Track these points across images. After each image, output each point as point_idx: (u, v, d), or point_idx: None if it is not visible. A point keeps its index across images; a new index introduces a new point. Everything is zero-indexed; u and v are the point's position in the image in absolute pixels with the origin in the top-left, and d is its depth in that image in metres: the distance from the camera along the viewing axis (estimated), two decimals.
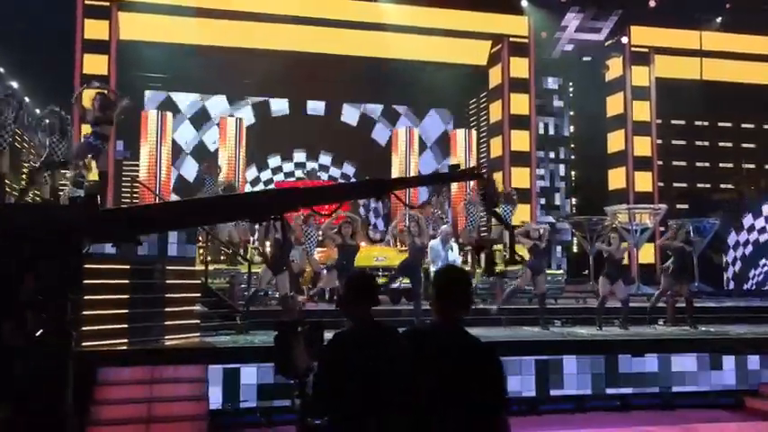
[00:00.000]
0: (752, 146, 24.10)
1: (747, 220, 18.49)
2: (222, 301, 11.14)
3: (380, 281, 13.21)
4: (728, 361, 9.80)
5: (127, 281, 8.79)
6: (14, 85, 16.52)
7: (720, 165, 23.95)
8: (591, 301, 13.28)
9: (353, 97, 22.22)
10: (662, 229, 16.28)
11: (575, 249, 21.74)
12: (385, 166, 20.29)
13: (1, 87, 10.81)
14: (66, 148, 10.36)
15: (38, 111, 16.79)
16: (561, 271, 17.48)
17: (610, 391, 9.53)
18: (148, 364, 8.12)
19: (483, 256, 5.19)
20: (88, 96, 10.17)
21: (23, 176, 12.12)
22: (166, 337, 9.09)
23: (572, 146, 23.51)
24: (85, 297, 8.03)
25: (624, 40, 21.58)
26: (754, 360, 9.87)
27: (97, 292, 8.28)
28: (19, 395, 4.53)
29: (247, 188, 20.49)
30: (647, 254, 19.30)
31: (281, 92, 21.63)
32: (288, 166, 22.38)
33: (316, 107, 22.43)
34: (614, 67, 22.15)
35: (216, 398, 8.32)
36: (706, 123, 24.01)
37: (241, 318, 10.22)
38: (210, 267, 12.18)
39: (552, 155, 23.22)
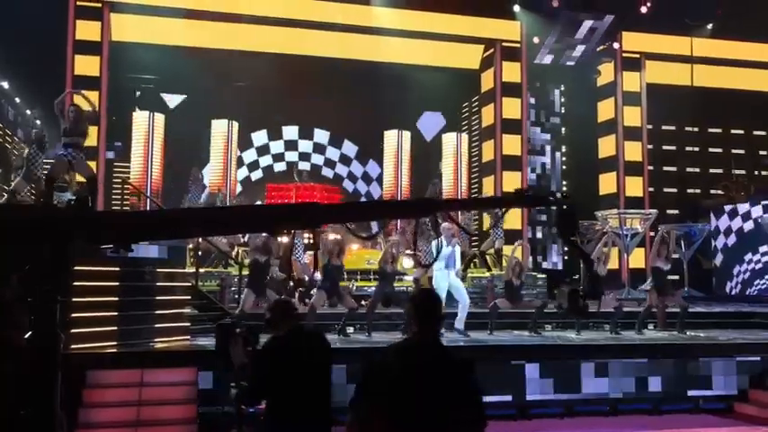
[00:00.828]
0: (741, 152, 24.24)
1: (723, 221, 18.61)
2: (212, 303, 11.10)
3: (372, 284, 13.25)
4: (717, 366, 9.83)
5: (117, 283, 8.75)
6: (4, 85, 16.47)
7: (710, 170, 24.08)
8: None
9: (346, 100, 22.15)
10: (652, 234, 16.34)
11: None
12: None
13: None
14: (42, 163, 10.34)
15: (29, 112, 16.72)
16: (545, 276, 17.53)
17: (598, 395, 9.54)
18: (138, 367, 8.07)
19: (566, 293, 4.64)
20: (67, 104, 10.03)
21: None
22: (156, 339, 9.05)
23: (564, 150, 23.59)
24: (74, 299, 7.99)
25: (615, 45, 21.69)
26: (744, 365, 9.91)
27: (86, 295, 8.24)
28: (6, 398, 4.51)
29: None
30: (637, 258, 19.37)
31: (271, 94, 21.54)
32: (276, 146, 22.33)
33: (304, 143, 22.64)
34: (606, 73, 22.25)
35: (206, 401, 8.27)
36: (696, 129, 24.14)
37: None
38: (201, 270, 12.14)
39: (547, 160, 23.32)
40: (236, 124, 19.30)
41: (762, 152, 24.30)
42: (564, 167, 23.56)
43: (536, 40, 21.21)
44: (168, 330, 9.27)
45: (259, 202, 17.80)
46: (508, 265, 11.77)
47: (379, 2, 19.58)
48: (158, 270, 9.34)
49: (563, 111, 23.73)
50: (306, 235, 12.86)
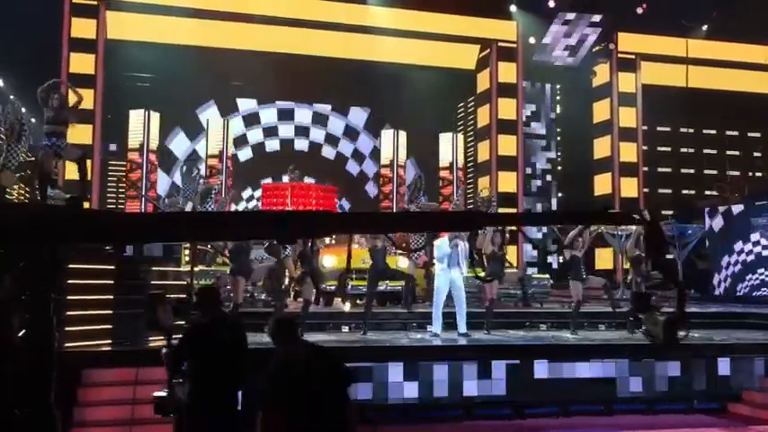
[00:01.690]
0: (736, 153, 24.34)
1: (717, 222, 18.61)
2: None
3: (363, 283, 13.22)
4: (712, 366, 9.85)
5: (111, 281, 8.72)
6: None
7: (705, 171, 24.17)
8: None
9: (340, 100, 22.15)
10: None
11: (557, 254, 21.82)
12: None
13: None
14: (23, 152, 10.22)
15: (23, 110, 16.60)
16: (547, 275, 17.54)
17: (593, 394, 9.55)
18: (133, 366, 8.03)
19: (662, 322, 4.38)
20: (49, 94, 9.90)
21: None
22: (151, 338, 9.01)
23: (558, 152, 23.63)
24: (69, 297, 7.97)
25: (611, 46, 21.74)
26: (737, 365, 9.94)
27: (81, 293, 8.21)
28: (1, 395, 4.49)
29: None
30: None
31: (268, 93, 21.54)
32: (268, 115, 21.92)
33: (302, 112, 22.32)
34: (601, 74, 22.30)
35: None
36: (691, 130, 24.23)
37: None
38: (196, 268, 12.11)
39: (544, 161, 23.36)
40: (231, 122, 19.31)
41: (756, 154, 24.40)
42: (559, 168, 23.60)
43: (532, 40, 21.24)
44: None
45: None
46: (486, 238, 11.59)
47: (376, 1, 19.59)
48: (153, 268, 9.31)
49: (558, 111, 23.76)
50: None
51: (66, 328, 7.87)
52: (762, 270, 16.72)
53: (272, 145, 22.06)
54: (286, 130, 22.06)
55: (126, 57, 18.55)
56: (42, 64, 17.03)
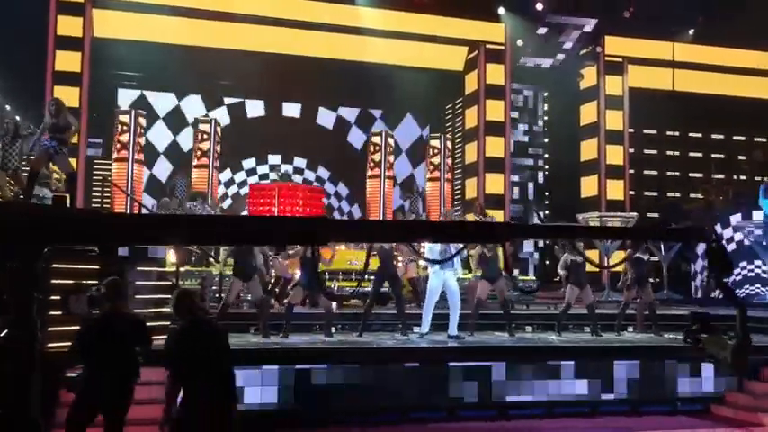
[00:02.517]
0: (721, 156, 24.55)
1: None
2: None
3: (353, 284, 13.24)
4: (695, 368, 9.93)
5: (95, 281, 8.65)
6: None
7: (690, 175, 24.38)
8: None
9: (329, 100, 22.13)
10: None
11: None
12: (360, 169, 20.34)
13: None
14: (18, 153, 10.23)
15: (8, 107, 16.53)
16: (533, 277, 17.63)
17: (578, 396, 9.60)
18: None
19: (731, 347, 4.20)
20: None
21: None
22: None
23: (546, 156, 23.73)
24: (52, 297, 7.90)
25: (598, 49, 21.85)
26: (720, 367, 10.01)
27: (65, 293, 8.12)
28: None
29: (221, 189, 20.33)
30: (617, 261, 19.48)
31: (256, 93, 21.49)
32: (262, 169, 22.14)
33: (291, 109, 22.23)
34: (588, 77, 22.41)
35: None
36: (677, 133, 24.45)
37: None
38: (182, 269, 12.07)
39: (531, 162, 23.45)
40: (219, 124, 19.24)
41: (741, 157, 24.61)
42: (546, 170, 23.70)
43: (520, 42, 21.31)
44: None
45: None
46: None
47: (364, 2, 19.59)
48: (138, 268, 9.26)
49: (546, 113, 23.86)
50: None
51: (50, 328, 7.82)
52: (744, 264, 16.85)
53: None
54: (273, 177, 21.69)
55: (112, 55, 18.43)
56: (28, 62, 16.95)
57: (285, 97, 21.79)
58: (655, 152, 24.17)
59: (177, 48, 18.78)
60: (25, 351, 4.63)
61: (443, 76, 21.48)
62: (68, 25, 17.43)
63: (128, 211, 16.08)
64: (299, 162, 22.08)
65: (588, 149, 22.42)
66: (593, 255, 19.31)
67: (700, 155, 24.56)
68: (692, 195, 23.59)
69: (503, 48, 20.88)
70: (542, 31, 21.19)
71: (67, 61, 17.25)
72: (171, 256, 11.68)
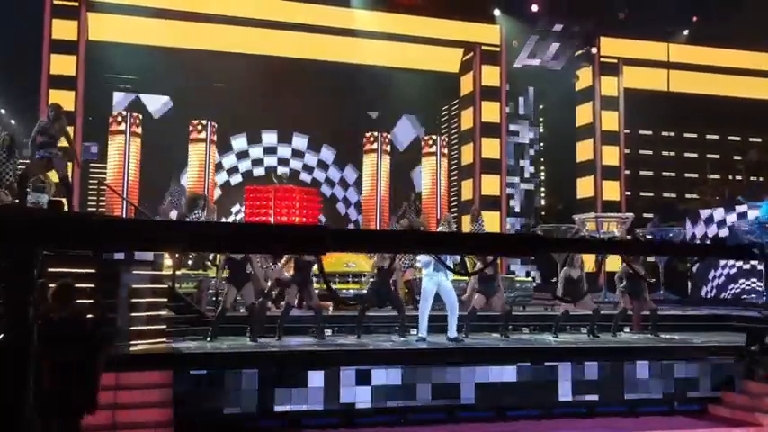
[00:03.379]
0: (716, 156, 24.61)
1: (699, 229, 18.86)
2: (190, 306, 11.01)
3: (351, 287, 13.23)
4: (691, 368, 9.95)
5: (92, 285, 8.63)
6: None
7: (686, 175, 24.44)
8: (559, 309, 13.37)
9: (325, 102, 22.08)
10: (628, 237, 16.50)
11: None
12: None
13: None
14: (13, 168, 10.22)
15: (2, 111, 16.47)
16: (530, 278, 17.64)
17: (575, 397, 9.61)
18: (113, 370, 7.95)
19: None
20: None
21: None
22: (132, 342, 8.95)
23: (542, 158, 23.76)
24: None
25: (594, 50, 21.88)
26: (717, 367, 10.04)
27: None
28: None
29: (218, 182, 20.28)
30: (613, 262, 19.51)
31: (250, 96, 21.44)
32: (256, 152, 22.02)
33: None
34: (584, 78, 22.44)
35: (181, 404, 8.21)
36: (672, 134, 24.53)
37: (211, 335, 10.02)
38: (178, 272, 12.04)
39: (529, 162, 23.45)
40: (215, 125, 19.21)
41: (736, 157, 24.67)
42: (542, 171, 23.72)
43: (515, 44, 21.34)
44: (144, 333, 9.17)
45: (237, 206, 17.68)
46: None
47: (359, 4, 19.60)
48: (134, 272, 9.24)
49: (541, 115, 23.89)
50: None
51: None
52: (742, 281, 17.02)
53: (259, 171, 21.94)
54: (270, 161, 22.19)
55: (107, 58, 18.41)
56: (22, 66, 16.91)
57: (280, 98, 21.75)
58: (650, 153, 24.24)
59: (172, 51, 18.77)
60: (21, 355, 4.61)
61: (439, 78, 21.51)
62: (63, 29, 17.39)
63: (123, 215, 16.04)
64: (299, 142, 21.98)
65: (584, 150, 22.45)
66: (590, 256, 19.33)
67: (695, 155, 24.63)
68: (688, 196, 23.63)
69: (498, 49, 20.91)
70: (537, 32, 21.22)
71: (62, 65, 17.22)
72: (167, 259, 11.64)
